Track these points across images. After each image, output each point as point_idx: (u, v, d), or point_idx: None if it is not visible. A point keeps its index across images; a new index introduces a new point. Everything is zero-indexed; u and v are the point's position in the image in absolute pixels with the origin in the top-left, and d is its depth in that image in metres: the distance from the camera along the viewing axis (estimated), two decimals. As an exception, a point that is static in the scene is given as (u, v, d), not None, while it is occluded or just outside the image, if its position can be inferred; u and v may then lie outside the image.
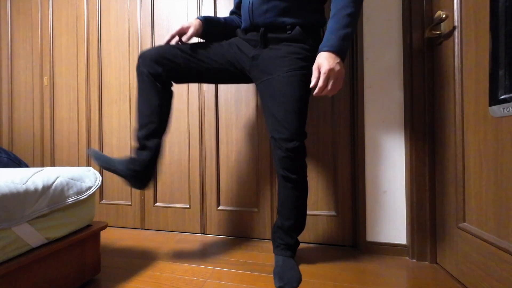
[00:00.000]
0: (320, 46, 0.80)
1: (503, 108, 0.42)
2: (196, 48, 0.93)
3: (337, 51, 0.76)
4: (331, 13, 0.81)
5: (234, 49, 0.94)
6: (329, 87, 0.77)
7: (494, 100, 0.44)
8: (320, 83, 0.76)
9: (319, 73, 0.77)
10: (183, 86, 1.37)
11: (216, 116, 1.33)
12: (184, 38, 0.91)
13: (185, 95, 1.37)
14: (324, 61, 0.76)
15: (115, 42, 1.49)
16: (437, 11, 0.95)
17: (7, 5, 1.72)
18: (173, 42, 0.95)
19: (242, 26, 0.97)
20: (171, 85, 0.95)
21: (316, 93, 0.78)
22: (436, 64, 0.97)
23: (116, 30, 1.49)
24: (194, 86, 1.35)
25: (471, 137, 0.79)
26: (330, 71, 0.75)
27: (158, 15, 1.41)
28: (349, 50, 1.16)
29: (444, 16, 0.88)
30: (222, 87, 1.32)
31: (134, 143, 0.92)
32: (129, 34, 1.46)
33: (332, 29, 0.78)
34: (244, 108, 1.29)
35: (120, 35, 1.48)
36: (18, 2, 1.70)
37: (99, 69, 1.52)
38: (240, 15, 1.06)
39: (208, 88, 1.34)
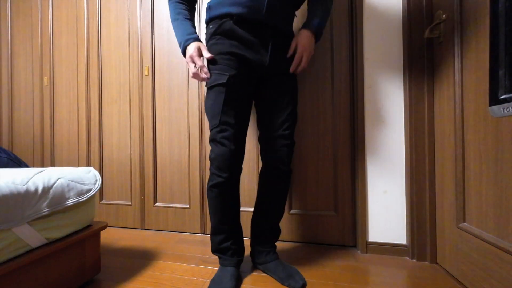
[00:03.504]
0: (311, 24, 0.89)
1: (503, 108, 0.42)
2: (240, 99, 0.86)
3: (319, 36, 0.91)
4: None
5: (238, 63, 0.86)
6: (305, 66, 0.90)
7: (494, 100, 0.44)
8: (304, 64, 0.89)
9: (302, 53, 0.88)
10: (183, 86, 1.37)
11: (216, 116, 1.32)
12: (206, 55, 0.85)
13: (185, 95, 1.37)
14: (311, 46, 0.88)
15: (115, 42, 1.49)
16: (437, 11, 0.95)
17: (7, 5, 1.73)
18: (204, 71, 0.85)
19: (239, 10, 0.81)
20: None
21: (292, 69, 0.89)
22: (436, 64, 0.97)
23: (116, 30, 1.49)
24: (194, 86, 1.35)
25: (471, 137, 0.79)
26: (311, 54, 0.90)
27: (158, 15, 1.41)
28: (349, 50, 1.17)
29: (444, 16, 0.88)
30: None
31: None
32: (129, 34, 1.46)
33: (319, 15, 0.90)
34: (244, 108, 1.29)
35: (120, 35, 1.48)
36: (18, 2, 1.70)
37: (99, 69, 1.52)
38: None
39: (208, 88, 1.34)
